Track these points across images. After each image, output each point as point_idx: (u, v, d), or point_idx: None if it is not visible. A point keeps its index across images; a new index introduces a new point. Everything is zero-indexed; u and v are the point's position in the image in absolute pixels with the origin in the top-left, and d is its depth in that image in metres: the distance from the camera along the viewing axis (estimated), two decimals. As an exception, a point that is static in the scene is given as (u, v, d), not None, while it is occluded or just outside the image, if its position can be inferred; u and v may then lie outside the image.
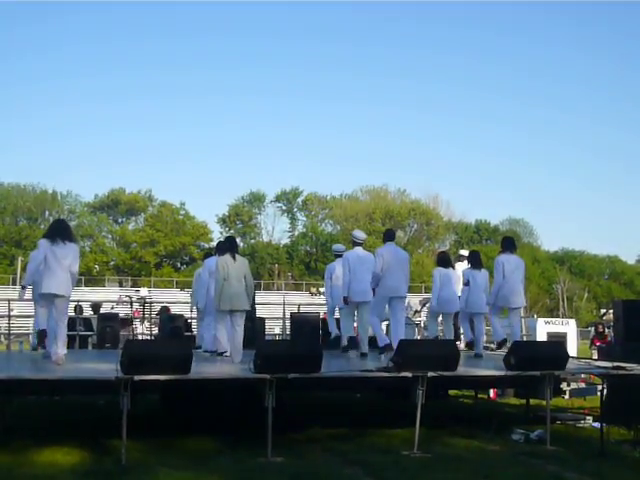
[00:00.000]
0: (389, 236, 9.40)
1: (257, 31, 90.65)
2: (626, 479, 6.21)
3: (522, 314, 13.50)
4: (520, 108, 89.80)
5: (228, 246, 8.80)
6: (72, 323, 12.67)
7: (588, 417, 9.10)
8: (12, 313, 13.68)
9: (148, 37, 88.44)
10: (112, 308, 20.16)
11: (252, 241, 68.86)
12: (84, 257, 56.75)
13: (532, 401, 9.30)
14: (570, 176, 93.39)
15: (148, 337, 14.77)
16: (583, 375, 10.19)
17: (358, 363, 8.72)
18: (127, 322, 14.64)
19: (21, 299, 8.35)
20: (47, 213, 62.25)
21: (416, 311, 16.17)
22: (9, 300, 13.57)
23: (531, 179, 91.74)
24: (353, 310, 9.60)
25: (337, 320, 10.70)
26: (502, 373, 7.72)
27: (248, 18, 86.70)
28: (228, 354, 8.50)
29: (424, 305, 15.30)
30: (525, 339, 13.19)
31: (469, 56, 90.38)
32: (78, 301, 14.15)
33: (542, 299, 61.64)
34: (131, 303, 15.42)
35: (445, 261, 10.54)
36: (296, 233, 70.75)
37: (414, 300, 17.32)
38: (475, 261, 10.33)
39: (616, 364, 8.19)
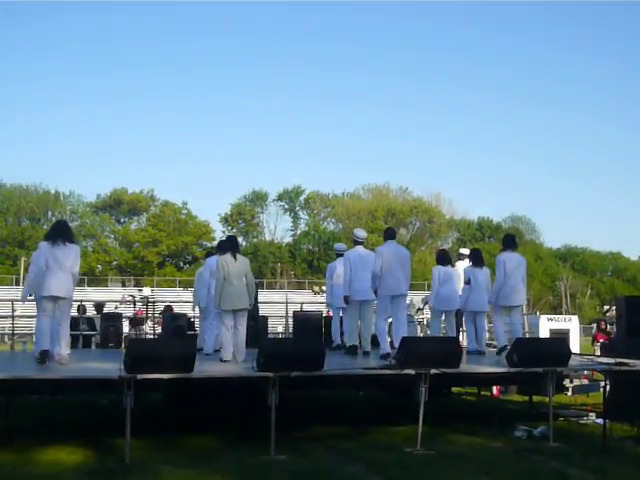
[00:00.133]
0: (389, 235, 9.37)
1: (258, 31, 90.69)
2: (629, 475, 6.21)
3: (525, 311, 13.52)
4: (522, 106, 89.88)
5: (229, 245, 8.80)
6: (75, 323, 12.72)
7: (591, 413, 9.11)
8: (15, 314, 13.73)
9: (148, 37, 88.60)
10: (116, 308, 20.16)
11: (254, 240, 68.88)
12: (87, 257, 56.88)
13: (535, 398, 9.31)
14: (572, 173, 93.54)
15: (151, 336, 14.79)
16: (586, 372, 10.20)
17: (361, 361, 8.72)
18: (139, 321, 14.66)
19: (24, 300, 8.37)
20: (50, 213, 62.31)
21: (419, 309, 16.16)
22: (12, 301, 13.62)
23: (533, 176, 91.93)
24: (357, 313, 9.44)
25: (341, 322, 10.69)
26: (505, 370, 7.73)
27: (249, 18, 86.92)
28: (229, 359, 8.37)
29: (426, 303, 15.30)
30: (528, 336, 13.20)
31: (470, 55, 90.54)
32: (81, 301, 14.18)
33: (545, 296, 61.55)
34: (134, 303, 15.45)
35: (444, 259, 10.55)
36: (298, 232, 70.74)
37: (417, 298, 17.31)
38: (476, 259, 10.33)
39: (619, 360, 8.19)
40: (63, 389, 7.58)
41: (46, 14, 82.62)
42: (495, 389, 11.44)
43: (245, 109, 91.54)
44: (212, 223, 67.72)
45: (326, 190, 72.58)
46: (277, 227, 72.07)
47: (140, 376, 6.23)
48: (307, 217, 72.76)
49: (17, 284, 44.29)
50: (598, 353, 12.57)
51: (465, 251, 12.01)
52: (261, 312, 12.86)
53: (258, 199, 70.71)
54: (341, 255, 10.22)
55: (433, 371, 6.95)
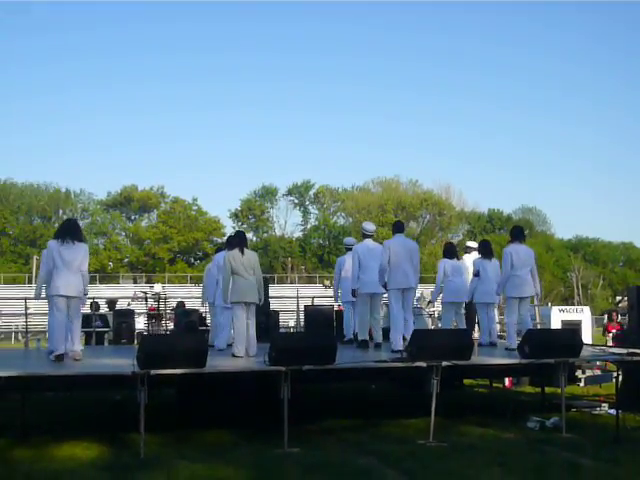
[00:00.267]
0: (398, 228, 9.37)
1: (265, 22, 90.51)
2: (642, 465, 6.19)
3: (536, 302, 13.46)
4: (532, 95, 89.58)
5: (238, 240, 8.83)
6: (88, 319, 12.82)
7: (603, 404, 9.08)
8: (28, 311, 13.83)
9: (157, 47, 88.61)
10: (128, 304, 20.28)
11: (265, 235, 68.97)
12: (98, 254, 57.17)
13: (547, 389, 9.30)
14: (583, 163, 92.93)
15: (164, 332, 14.87)
16: (598, 362, 10.17)
17: (372, 354, 8.75)
18: (158, 317, 14.73)
19: (37, 298, 8.42)
20: (61, 212, 62.60)
21: (429, 302, 16.15)
22: (25, 299, 13.72)
23: (544, 167, 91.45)
24: (367, 306, 9.46)
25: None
26: (516, 361, 7.73)
27: (260, 8, 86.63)
28: (241, 355, 8.40)
29: (430, 302, 15.29)
30: (539, 327, 13.18)
31: (483, 42, 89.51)
32: (94, 298, 14.27)
33: (557, 287, 61.32)
34: (146, 299, 15.53)
35: (451, 252, 10.57)
36: (308, 226, 70.77)
37: (427, 291, 17.29)
38: (485, 251, 10.32)
39: (631, 351, 8.18)
40: (77, 385, 7.64)
41: (62, 4, 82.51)
42: (507, 381, 11.43)
43: (254, 104, 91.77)
44: (222, 219, 67.93)
45: (336, 184, 72.65)
46: (287, 222, 72.22)
47: (153, 372, 6.29)
48: (317, 211, 72.75)
49: (29, 282, 44.55)
50: (610, 344, 12.53)
51: (472, 244, 12.00)
52: (272, 307, 12.91)
53: (268, 194, 70.76)
54: (350, 249, 10.25)
55: (445, 363, 6.96)
